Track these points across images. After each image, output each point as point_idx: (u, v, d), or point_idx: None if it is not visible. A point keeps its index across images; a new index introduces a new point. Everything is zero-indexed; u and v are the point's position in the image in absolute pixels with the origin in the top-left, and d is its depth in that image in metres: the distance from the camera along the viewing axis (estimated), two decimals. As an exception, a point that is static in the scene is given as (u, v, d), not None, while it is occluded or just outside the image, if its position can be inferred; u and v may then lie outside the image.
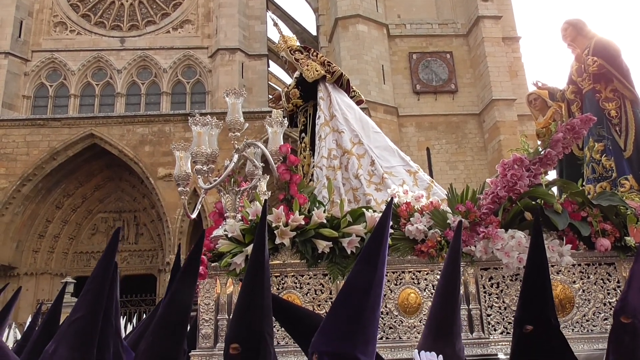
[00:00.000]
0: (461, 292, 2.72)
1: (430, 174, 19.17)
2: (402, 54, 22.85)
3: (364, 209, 2.94)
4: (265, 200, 2.43)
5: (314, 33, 26.68)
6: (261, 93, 22.56)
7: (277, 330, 2.70)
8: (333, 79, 4.46)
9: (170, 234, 17.86)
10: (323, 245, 2.74)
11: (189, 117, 3.38)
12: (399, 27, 23.37)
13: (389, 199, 2.14)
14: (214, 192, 3.47)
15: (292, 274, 2.83)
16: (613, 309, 2.10)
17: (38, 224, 19.46)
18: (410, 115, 21.80)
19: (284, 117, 4.17)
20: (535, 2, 71.66)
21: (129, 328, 11.16)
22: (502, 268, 2.77)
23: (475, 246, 2.75)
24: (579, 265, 2.88)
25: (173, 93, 22.84)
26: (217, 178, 3.18)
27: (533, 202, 2.86)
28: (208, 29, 23.56)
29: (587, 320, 2.80)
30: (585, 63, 4.31)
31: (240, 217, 3.01)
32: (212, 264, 2.82)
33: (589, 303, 2.83)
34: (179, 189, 3.43)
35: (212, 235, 2.95)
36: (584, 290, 2.85)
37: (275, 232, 2.76)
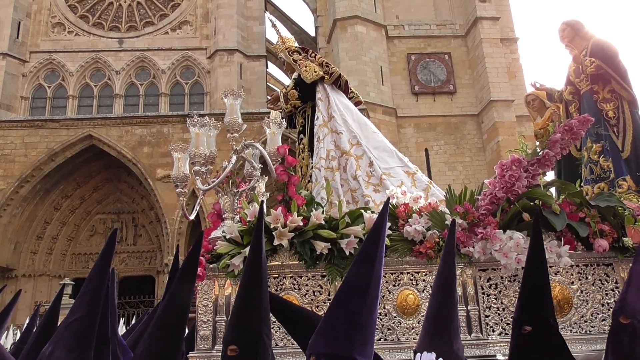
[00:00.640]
0: (459, 293, 2.72)
1: (429, 175, 19.20)
2: (401, 55, 22.87)
3: (363, 210, 2.94)
4: (262, 201, 2.43)
5: (313, 34, 26.70)
6: (260, 94, 22.57)
7: (275, 332, 2.69)
8: (331, 80, 4.46)
9: (169, 235, 17.85)
10: (321, 247, 2.74)
11: (187, 118, 3.38)
12: (398, 28, 23.39)
13: (392, 200, 2.14)
14: (212, 193, 3.46)
15: (291, 275, 2.83)
16: (612, 309, 2.10)
17: (36, 225, 19.43)
18: (409, 116, 21.82)
19: (282, 118, 4.16)
20: (534, 3, 71.82)
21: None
22: (500, 269, 2.77)
23: (473, 247, 2.75)
24: (577, 266, 2.88)
25: (171, 94, 22.84)
26: (215, 179, 3.17)
27: (531, 203, 2.86)
28: (206, 30, 23.56)
29: (586, 321, 2.80)
30: (583, 64, 4.33)
31: (238, 219, 3.00)
32: (211, 265, 2.81)
33: (587, 304, 2.84)
34: (178, 190, 3.42)
35: (211, 237, 2.95)
36: (582, 291, 2.86)
37: (273, 233, 2.75)
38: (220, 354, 2.28)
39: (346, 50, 21.55)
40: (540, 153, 2.92)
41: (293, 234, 2.78)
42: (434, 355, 1.58)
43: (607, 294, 2.86)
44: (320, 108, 4.33)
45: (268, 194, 3.98)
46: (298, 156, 4.44)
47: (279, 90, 5.15)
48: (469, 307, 2.75)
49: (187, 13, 23.97)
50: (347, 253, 2.74)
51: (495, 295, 2.82)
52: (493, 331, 2.75)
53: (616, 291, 2.83)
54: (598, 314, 2.82)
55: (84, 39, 23.22)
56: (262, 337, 1.66)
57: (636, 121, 4.15)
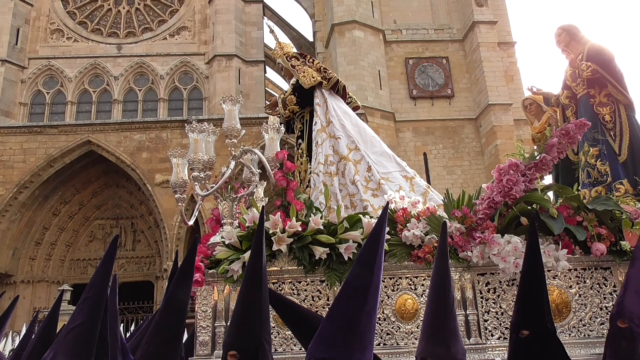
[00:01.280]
0: (458, 297, 2.73)
1: (428, 179, 19.21)
2: (399, 59, 22.94)
3: (361, 215, 2.95)
4: (263, 207, 2.43)
5: (311, 39, 26.78)
6: (258, 99, 22.60)
7: (275, 337, 2.70)
8: (329, 86, 4.48)
9: (168, 240, 17.81)
10: (320, 252, 2.75)
11: (186, 124, 3.39)
12: (395, 33, 23.47)
13: (385, 204, 2.14)
14: (211, 198, 3.47)
15: (290, 280, 2.83)
16: (610, 313, 2.11)
17: (35, 231, 19.39)
18: (407, 121, 21.85)
19: (280, 123, 4.18)
20: (531, 7, 72.14)
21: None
22: (498, 273, 2.78)
23: (471, 251, 2.76)
24: (575, 269, 2.89)
25: (170, 99, 22.86)
26: (214, 185, 3.18)
27: (529, 207, 2.87)
28: (205, 36, 23.62)
29: (584, 325, 2.81)
30: (579, 68, 4.35)
31: (237, 224, 3.01)
32: (210, 271, 2.82)
33: (586, 308, 2.84)
34: (176, 195, 3.43)
35: (210, 242, 2.95)
36: (580, 295, 2.86)
37: (272, 238, 2.76)
38: (219, 359, 2.28)
39: (344, 55, 21.61)
40: (537, 157, 2.93)
41: (292, 239, 2.78)
42: None
43: (605, 298, 2.87)
44: (319, 113, 4.34)
45: (267, 199, 3.98)
46: (296, 161, 4.45)
47: (277, 96, 5.16)
48: (467, 312, 2.76)
49: (186, 19, 24.04)
50: (346, 258, 2.75)
51: (493, 299, 2.83)
52: (492, 335, 2.76)
53: (614, 295, 2.84)
54: (596, 317, 2.83)
55: (82, 45, 23.26)
56: (262, 343, 1.66)
57: (633, 125, 4.17)
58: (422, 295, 2.81)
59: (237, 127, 3.31)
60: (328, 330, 1.51)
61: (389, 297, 2.80)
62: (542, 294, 2.00)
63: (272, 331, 2.61)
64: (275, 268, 2.82)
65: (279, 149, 3.34)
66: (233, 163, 3.24)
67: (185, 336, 3.09)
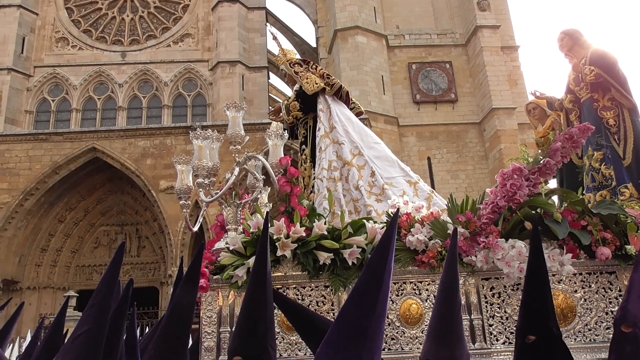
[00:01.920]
0: (463, 302, 2.72)
1: (432, 184, 19.19)
2: (402, 64, 22.99)
3: (365, 220, 2.96)
4: (267, 212, 2.45)
5: (314, 45, 26.88)
6: (262, 105, 22.69)
7: (279, 342, 2.70)
8: (332, 92, 4.50)
9: (172, 246, 17.85)
10: (324, 257, 2.75)
11: (190, 130, 3.42)
12: (398, 38, 23.54)
13: (395, 210, 2.16)
14: (215, 204, 3.49)
15: (294, 286, 2.84)
16: (614, 318, 2.10)
17: (40, 238, 19.48)
18: (411, 125, 21.87)
19: (284, 129, 4.20)
20: (534, 11, 72.14)
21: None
22: (503, 278, 2.78)
23: (476, 256, 2.76)
24: (580, 274, 2.88)
25: (174, 106, 22.98)
26: (218, 191, 3.20)
27: (533, 212, 2.87)
28: (208, 42, 23.76)
29: (590, 330, 2.80)
30: (582, 72, 4.35)
31: (241, 230, 3.02)
32: (214, 277, 2.83)
33: (591, 312, 2.83)
34: (181, 202, 3.45)
35: (214, 248, 2.96)
36: (585, 300, 2.85)
37: (276, 244, 2.77)
38: (224, 365, 2.29)
39: (347, 60, 21.68)
40: (541, 161, 2.93)
41: (296, 245, 2.79)
42: None
43: (610, 302, 2.86)
44: (322, 119, 4.36)
45: (271, 205, 4.00)
46: (300, 167, 4.47)
47: (280, 102, 5.19)
48: (472, 316, 2.75)
49: (189, 26, 24.20)
50: (350, 263, 2.75)
51: (498, 304, 2.82)
52: (497, 340, 2.75)
53: (620, 299, 2.83)
54: (602, 322, 2.82)
55: (87, 52, 23.45)
56: (267, 348, 1.67)
57: (637, 128, 4.16)
58: (426, 300, 2.81)
59: (241, 133, 3.34)
60: (336, 335, 1.52)
61: (393, 302, 2.80)
62: (546, 299, 1.99)
63: (277, 337, 2.62)
64: (279, 273, 2.83)
65: (282, 155, 3.36)
66: (237, 169, 3.26)
67: (190, 342, 3.10)
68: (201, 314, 2.78)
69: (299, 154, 4.64)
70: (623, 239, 2.90)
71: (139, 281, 19.89)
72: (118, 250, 1.75)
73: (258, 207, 3.22)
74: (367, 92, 20.78)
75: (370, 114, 18.72)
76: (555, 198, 3.37)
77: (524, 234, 2.82)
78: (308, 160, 4.46)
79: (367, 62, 21.61)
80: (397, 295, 2.82)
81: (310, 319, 2.03)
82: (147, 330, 14.24)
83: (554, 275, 2.75)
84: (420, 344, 2.66)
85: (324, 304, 2.81)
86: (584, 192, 3.94)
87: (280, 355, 2.67)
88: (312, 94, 4.46)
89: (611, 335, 2.52)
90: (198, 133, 3.27)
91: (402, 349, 2.72)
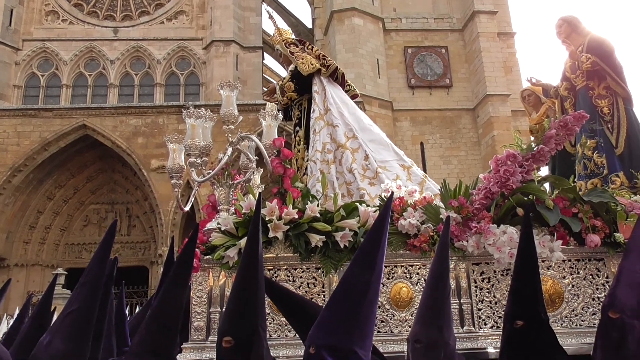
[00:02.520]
0: (452, 286, 2.74)
1: (424, 169, 19.24)
2: (398, 48, 22.82)
3: (358, 203, 2.95)
4: (260, 193, 2.43)
5: (310, 26, 26.56)
6: (256, 85, 22.48)
7: (270, 323, 2.71)
8: (328, 73, 4.45)
9: (163, 226, 17.82)
10: (316, 239, 2.75)
11: (182, 109, 3.37)
12: (395, 21, 23.32)
13: (389, 194, 2.15)
14: (207, 184, 3.46)
15: (285, 267, 2.84)
16: (602, 304, 2.13)
17: (29, 215, 19.34)
18: (405, 110, 21.81)
19: (278, 110, 4.15)
20: (531, -3, 71.71)
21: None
22: (493, 263, 2.80)
23: (467, 241, 2.77)
24: (569, 260, 2.91)
25: (167, 84, 22.70)
26: (210, 171, 3.17)
27: (525, 198, 2.88)
28: (202, 20, 23.39)
29: (576, 315, 2.84)
30: (579, 60, 4.34)
31: (233, 210, 3.01)
32: (205, 257, 2.82)
33: (578, 298, 2.87)
34: (172, 181, 3.42)
35: (206, 228, 2.95)
36: (573, 286, 2.89)
37: (268, 225, 2.76)
38: (214, 345, 2.29)
39: (343, 42, 21.47)
40: (535, 148, 2.93)
41: (288, 227, 2.79)
42: None
43: (597, 289, 2.89)
44: (317, 101, 4.32)
45: (263, 186, 3.98)
46: (294, 149, 4.44)
47: (275, 82, 5.13)
48: (461, 300, 2.78)
49: (183, 3, 23.76)
50: (342, 246, 2.76)
51: (487, 288, 2.85)
52: (485, 324, 2.78)
53: (607, 286, 2.86)
54: (589, 308, 2.86)
55: (78, 27, 22.99)
56: (257, 329, 1.67)
57: (630, 118, 4.18)
58: (416, 284, 2.82)
59: (234, 113, 3.30)
60: (329, 318, 1.53)
61: (384, 285, 2.81)
62: (535, 284, 2.01)
63: (267, 317, 2.62)
64: (271, 255, 2.82)
65: (276, 136, 3.33)
66: (230, 149, 3.23)
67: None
68: (192, 294, 2.78)
69: (293, 135, 4.61)
70: (613, 226, 2.93)
71: (128, 260, 19.89)
72: (109, 229, 1.74)
73: (250, 188, 3.20)
74: (362, 75, 20.65)
75: (364, 97, 18.64)
76: (547, 185, 3.38)
77: (515, 220, 2.84)
78: (302, 142, 4.43)
79: (363, 45, 21.43)
80: (388, 279, 2.83)
81: (300, 305, 2.03)
82: (136, 309, 14.29)
83: (543, 261, 2.78)
84: (410, 327, 2.68)
85: (315, 286, 2.82)
86: (575, 179, 3.96)
87: (270, 336, 2.68)
88: (307, 74, 4.41)
89: (597, 321, 2.56)
90: (191, 112, 3.23)
91: (392, 332, 2.74)
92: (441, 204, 2.93)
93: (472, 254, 2.80)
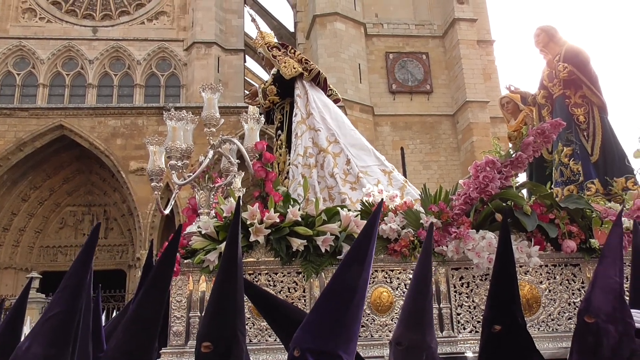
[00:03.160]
0: (432, 290, 2.76)
1: (404, 174, 19.37)
2: (379, 53, 22.98)
3: (339, 208, 2.95)
4: (239, 197, 2.41)
5: (292, 29, 26.59)
6: (237, 88, 22.37)
7: (250, 328, 2.69)
8: (310, 77, 4.46)
9: (142, 229, 17.57)
10: (297, 244, 2.74)
11: (163, 111, 3.34)
12: (377, 27, 23.50)
13: (378, 201, 2.16)
14: (187, 187, 3.43)
15: (266, 271, 2.82)
16: (577, 308, 2.17)
17: (2, 216, 18.85)
18: (386, 115, 21.96)
19: (260, 113, 4.14)
20: (510, 6, 73.13)
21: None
22: (472, 268, 2.83)
23: (447, 246, 2.80)
24: (546, 266, 2.96)
25: (147, 85, 22.42)
26: (191, 174, 3.14)
27: (504, 204, 2.92)
28: (184, 22, 23.20)
29: (553, 320, 2.89)
30: (556, 69, 4.44)
31: (214, 214, 2.98)
32: (185, 261, 2.79)
33: (555, 303, 2.92)
34: (152, 184, 3.37)
35: (186, 232, 2.91)
36: (550, 290, 2.94)
37: (249, 229, 2.74)
38: (193, 350, 2.26)
39: (325, 46, 21.53)
40: (513, 155, 2.98)
41: (269, 231, 2.77)
42: None
43: (573, 294, 2.95)
44: (299, 105, 4.32)
45: (244, 190, 3.96)
46: (275, 152, 4.43)
47: (257, 86, 5.12)
48: (441, 305, 2.80)
49: (165, 3, 23.54)
50: (323, 250, 2.75)
51: (467, 293, 2.88)
52: (464, 329, 2.81)
53: (582, 291, 2.92)
54: (565, 312, 2.91)
55: (56, 26, 22.56)
56: (237, 334, 1.65)
57: (605, 126, 4.28)
58: (397, 289, 2.84)
59: (216, 116, 3.27)
60: (315, 322, 1.52)
61: (364, 290, 2.81)
62: (513, 289, 2.04)
63: (247, 322, 2.60)
64: (252, 259, 2.80)
65: (258, 140, 3.31)
66: (211, 152, 3.20)
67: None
68: (171, 298, 2.74)
69: (275, 139, 4.60)
70: (588, 232, 2.99)
71: (106, 263, 19.53)
72: (93, 231, 1.70)
73: (232, 191, 3.18)
74: (343, 79, 20.72)
75: (346, 101, 18.59)
76: (524, 191, 3.44)
77: (494, 225, 2.88)
78: (283, 146, 4.43)
79: (345, 50, 21.52)
80: (369, 283, 2.83)
81: (282, 309, 2.02)
82: (113, 314, 14.03)
83: (521, 266, 2.82)
84: (390, 332, 2.69)
85: (296, 290, 2.81)
86: (552, 186, 4.04)
87: (250, 341, 2.66)
88: (289, 78, 4.40)
89: (573, 326, 2.60)
90: (172, 114, 3.19)
91: (372, 336, 2.75)
92: (421, 209, 2.96)
93: (451, 259, 2.83)
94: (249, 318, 2.67)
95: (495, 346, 1.98)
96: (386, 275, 2.87)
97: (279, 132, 4.55)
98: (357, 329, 1.55)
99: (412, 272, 2.60)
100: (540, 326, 2.86)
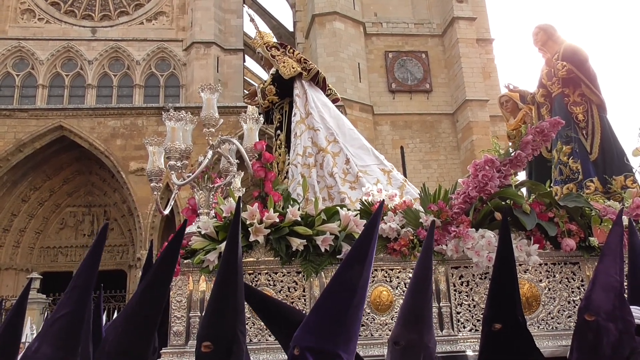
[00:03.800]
0: (432, 290, 2.77)
1: (404, 173, 19.38)
2: (378, 52, 22.98)
3: (339, 207, 2.96)
4: (239, 197, 2.41)
5: (291, 29, 26.57)
6: (236, 88, 22.36)
7: (250, 328, 2.69)
8: (309, 77, 4.46)
9: (142, 229, 17.57)
10: (297, 243, 2.75)
11: (162, 112, 3.34)
12: (376, 26, 23.49)
13: (380, 201, 2.16)
14: (187, 188, 3.43)
15: (266, 271, 2.82)
16: (577, 306, 2.17)
17: (2, 217, 18.85)
18: (386, 114, 21.96)
19: (259, 113, 4.14)
20: (509, 4, 73.10)
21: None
22: (472, 267, 2.83)
23: (446, 245, 2.80)
24: (546, 264, 2.97)
25: (146, 86, 22.41)
26: (190, 174, 3.14)
27: (503, 203, 2.92)
28: (183, 22, 23.18)
29: (552, 318, 2.89)
30: (555, 67, 4.44)
31: (214, 214, 2.98)
32: (185, 261, 2.79)
33: (554, 301, 2.92)
34: (152, 184, 3.38)
35: (185, 232, 2.91)
36: (549, 289, 2.94)
37: (249, 229, 2.75)
38: (193, 350, 2.27)
39: (324, 46, 21.53)
40: (512, 154, 2.98)
41: (269, 230, 2.77)
42: None
43: (573, 292, 2.96)
44: (298, 104, 4.32)
45: (244, 190, 3.96)
46: (275, 152, 4.43)
47: (256, 85, 5.12)
48: (441, 304, 2.81)
49: (163, 4, 23.52)
50: (323, 250, 2.76)
51: (466, 292, 2.88)
52: (464, 327, 2.81)
53: (582, 289, 2.93)
54: (564, 310, 2.91)
55: (55, 26, 22.54)
56: (237, 334, 1.66)
57: (604, 124, 4.29)
58: (397, 288, 2.84)
59: (215, 116, 3.28)
60: (316, 321, 1.53)
61: (364, 289, 2.82)
62: (513, 288, 2.04)
63: (247, 322, 2.60)
64: (251, 259, 2.81)
65: (257, 140, 3.31)
66: (210, 152, 3.20)
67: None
68: (171, 298, 2.75)
69: (274, 139, 4.60)
70: (587, 231, 2.99)
71: (106, 264, 19.50)
72: (101, 232, 1.71)
73: (231, 192, 3.18)
74: (343, 79, 20.72)
75: (345, 101, 18.69)
76: (524, 190, 3.44)
77: (493, 224, 2.88)
78: (283, 146, 4.43)
79: (344, 49, 21.51)
80: (369, 282, 2.84)
81: (281, 312, 2.03)
82: (114, 314, 14.04)
83: (520, 265, 2.82)
84: (390, 331, 2.69)
85: (296, 290, 2.81)
86: (551, 184, 4.04)
87: (251, 341, 2.66)
88: (288, 78, 4.41)
89: (572, 324, 2.61)
90: (171, 114, 3.20)
91: (372, 335, 2.75)
92: (421, 208, 2.96)
93: (451, 258, 2.84)
94: (249, 318, 2.67)
95: (496, 344, 1.98)
96: (386, 275, 2.87)
97: (278, 131, 4.55)
98: (357, 328, 1.55)
99: (411, 271, 2.61)
100: (540, 324, 2.86)
